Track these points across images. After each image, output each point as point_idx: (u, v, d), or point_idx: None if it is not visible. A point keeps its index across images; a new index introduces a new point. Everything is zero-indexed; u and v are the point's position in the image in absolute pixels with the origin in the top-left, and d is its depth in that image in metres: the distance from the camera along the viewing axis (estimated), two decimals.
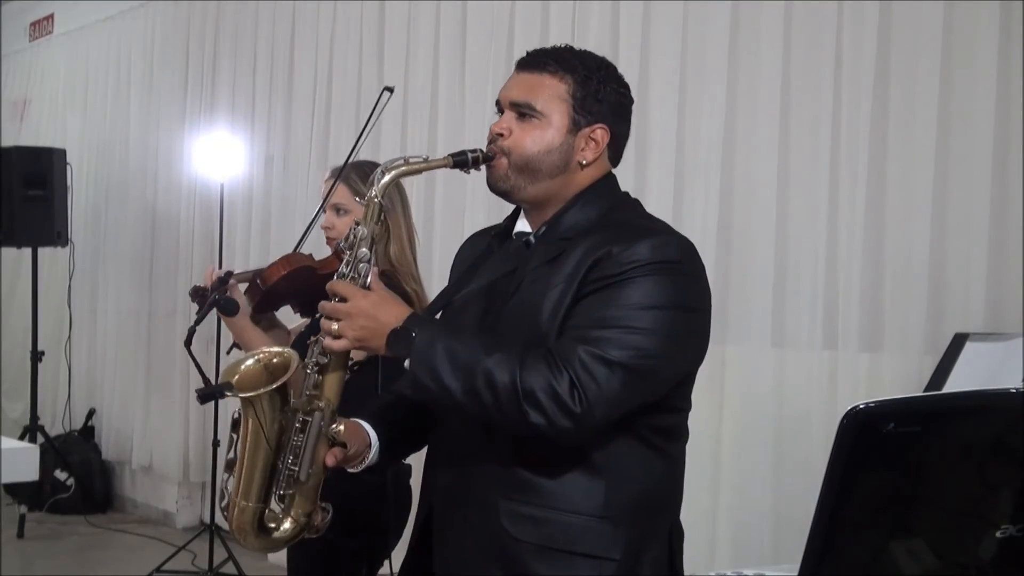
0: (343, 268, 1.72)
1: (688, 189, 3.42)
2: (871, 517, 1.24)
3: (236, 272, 2.63)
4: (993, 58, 2.77)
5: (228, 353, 2.95)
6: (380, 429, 1.82)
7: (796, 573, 1.24)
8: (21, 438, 5.38)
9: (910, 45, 2.94)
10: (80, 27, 6.85)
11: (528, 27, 3.92)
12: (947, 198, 2.87)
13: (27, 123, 7.34)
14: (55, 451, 5.92)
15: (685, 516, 3.35)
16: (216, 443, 4.93)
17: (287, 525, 1.75)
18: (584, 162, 1.75)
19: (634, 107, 3.56)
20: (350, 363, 1.74)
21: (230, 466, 1.78)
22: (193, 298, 2.64)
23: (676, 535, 1.80)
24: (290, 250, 2.77)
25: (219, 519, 4.93)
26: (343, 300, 1.67)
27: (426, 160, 1.73)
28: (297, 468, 1.71)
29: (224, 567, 4.75)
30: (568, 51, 1.77)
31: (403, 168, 1.72)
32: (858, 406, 1.19)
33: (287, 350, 1.80)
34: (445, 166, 1.72)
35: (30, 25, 7.44)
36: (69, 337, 6.35)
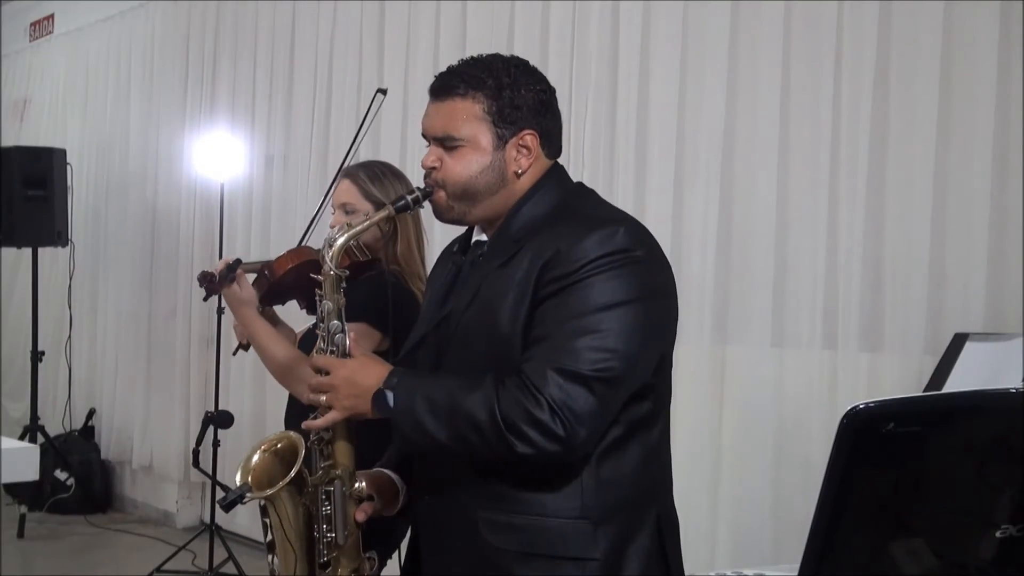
0: (320, 344, 1.78)
1: (688, 189, 3.42)
2: (871, 517, 1.24)
3: (245, 262, 2.62)
4: (993, 58, 2.77)
5: (234, 354, 2.94)
6: (403, 471, 1.87)
7: (796, 573, 1.24)
8: (21, 438, 5.38)
9: (910, 45, 2.94)
10: (80, 27, 6.85)
11: (528, 27, 3.92)
12: (947, 198, 2.87)
13: (27, 123, 7.34)
14: (55, 451, 5.92)
15: (685, 516, 3.33)
16: (216, 443, 4.92)
17: None
18: (520, 171, 1.76)
19: (634, 107, 3.55)
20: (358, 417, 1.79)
21: (271, 548, 1.84)
22: (201, 283, 2.61)
23: (666, 524, 1.77)
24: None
25: (219, 519, 4.94)
26: (326, 374, 1.73)
27: (367, 216, 1.81)
28: (334, 534, 1.77)
29: (224, 567, 4.75)
30: (473, 66, 1.76)
31: (348, 232, 1.78)
32: (858, 406, 1.19)
33: (290, 433, 1.86)
34: (388, 216, 1.78)
35: (30, 25, 7.44)
36: (69, 337, 6.35)
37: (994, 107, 2.77)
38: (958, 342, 2.70)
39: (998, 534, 1.25)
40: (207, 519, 5.09)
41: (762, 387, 3.23)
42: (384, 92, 2.67)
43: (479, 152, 1.74)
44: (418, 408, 1.64)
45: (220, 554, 4.76)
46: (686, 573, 1.88)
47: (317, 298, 1.79)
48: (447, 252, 1.96)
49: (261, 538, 5.49)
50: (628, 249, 1.65)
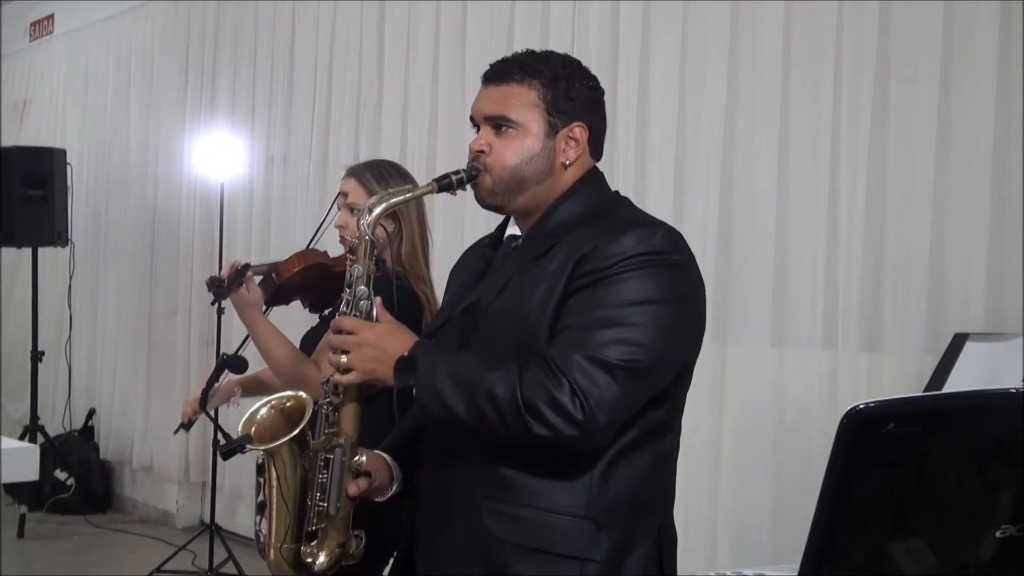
0: (343, 307, 1.75)
1: (688, 189, 3.42)
2: (871, 517, 1.24)
3: (253, 265, 2.62)
4: (993, 58, 2.77)
5: (175, 433, 2.96)
6: (401, 460, 1.85)
7: (796, 573, 1.24)
8: (21, 438, 5.38)
9: (910, 45, 2.94)
10: (80, 27, 6.85)
11: (528, 27, 3.92)
12: (947, 198, 2.87)
13: (27, 123, 7.34)
14: (55, 451, 5.93)
15: (685, 516, 3.33)
16: (216, 443, 4.92)
17: (323, 559, 1.79)
18: (567, 163, 1.77)
19: (634, 107, 3.56)
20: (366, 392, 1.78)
21: (261, 509, 1.82)
22: (210, 288, 2.62)
23: (666, 538, 1.76)
24: (291, 249, 2.77)
25: (219, 519, 4.94)
26: (349, 334, 1.70)
27: (411, 189, 1.78)
28: (325, 504, 1.75)
29: (224, 567, 4.75)
30: (531, 56, 1.78)
31: (388, 201, 1.75)
32: (858, 406, 1.18)
33: (299, 393, 1.84)
34: (431, 192, 1.75)
35: (30, 25, 7.44)
36: (69, 337, 6.35)
37: (994, 107, 2.77)
38: (958, 342, 2.70)
39: (998, 534, 1.25)
40: (207, 519, 5.09)
41: (762, 387, 3.23)
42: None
43: (530, 138, 1.74)
44: (440, 379, 1.63)
45: (220, 554, 4.76)
46: (686, 573, 1.87)
47: (348, 263, 1.76)
48: (476, 246, 1.96)
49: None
50: (665, 252, 1.66)
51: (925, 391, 2.65)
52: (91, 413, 6.43)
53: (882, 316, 2.98)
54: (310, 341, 2.61)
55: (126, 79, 6.34)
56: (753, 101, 3.28)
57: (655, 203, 3.47)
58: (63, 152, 5.93)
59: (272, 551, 1.80)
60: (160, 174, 5.96)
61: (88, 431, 6.39)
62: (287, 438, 1.76)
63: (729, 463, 3.29)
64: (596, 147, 1.83)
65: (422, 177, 4.23)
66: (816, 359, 3.11)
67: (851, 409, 1.18)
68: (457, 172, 1.75)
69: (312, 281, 2.62)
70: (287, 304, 2.78)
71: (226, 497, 5.36)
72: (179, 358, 5.78)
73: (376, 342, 1.68)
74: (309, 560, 1.79)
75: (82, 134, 6.68)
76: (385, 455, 1.85)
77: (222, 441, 1.93)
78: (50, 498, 5.90)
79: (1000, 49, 2.76)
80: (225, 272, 2.57)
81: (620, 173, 3.56)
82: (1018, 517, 1.24)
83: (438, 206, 4.22)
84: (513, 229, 1.83)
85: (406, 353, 1.67)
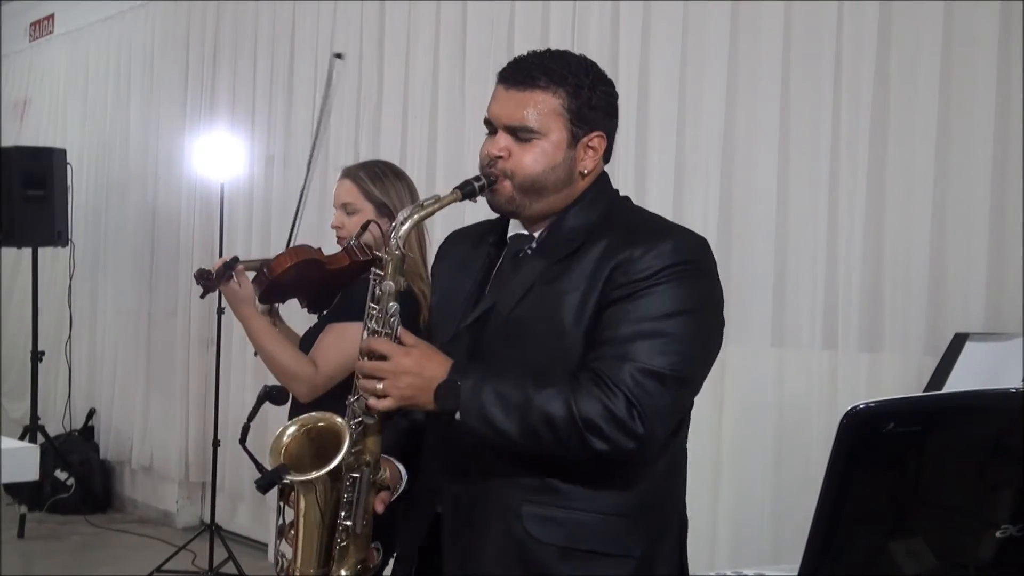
0: (373, 324, 1.70)
1: (688, 189, 3.42)
2: (871, 517, 1.24)
3: (243, 260, 2.62)
4: (993, 58, 2.77)
5: (256, 355, 2.93)
6: (404, 460, 1.85)
7: (796, 573, 1.24)
8: (21, 438, 5.38)
9: (910, 45, 2.94)
10: (80, 27, 6.85)
11: (528, 27, 3.92)
12: (947, 198, 2.87)
13: (27, 123, 7.34)
14: (55, 451, 5.92)
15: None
16: (216, 443, 4.93)
17: (345, 572, 1.77)
18: (585, 171, 1.76)
19: (634, 107, 3.56)
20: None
21: (281, 532, 1.78)
22: (198, 280, 2.60)
23: (683, 528, 1.83)
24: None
25: (219, 519, 4.94)
26: (382, 358, 1.66)
27: (438, 200, 1.71)
28: (352, 522, 1.73)
29: (224, 567, 4.75)
30: (554, 61, 1.75)
31: (420, 213, 1.70)
32: (858, 406, 1.18)
33: (333, 417, 1.77)
34: (456, 200, 1.71)
35: (30, 25, 7.44)
36: (69, 337, 6.35)
37: (994, 107, 2.77)
38: (958, 342, 2.70)
39: (998, 534, 1.25)
40: (207, 519, 5.09)
41: (762, 387, 3.23)
42: (340, 56, 2.70)
43: (552, 147, 1.72)
44: (487, 402, 1.62)
45: (220, 554, 4.76)
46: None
47: (374, 277, 1.71)
48: (463, 236, 1.93)
49: (261, 538, 5.50)
50: (697, 260, 1.69)
51: (925, 391, 2.65)
52: (91, 413, 6.43)
53: (882, 316, 2.98)
54: (309, 342, 2.61)
55: (126, 79, 6.34)
56: (753, 101, 3.28)
57: (655, 203, 3.47)
58: (63, 152, 5.93)
59: None
60: (160, 174, 5.96)
61: (88, 431, 6.39)
62: (326, 470, 1.70)
63: (729, 463, 3.28)
64: (609, 152, 1.83)
65: (422, 177, 4.28)
66: (816, 359, 3.11)
67: (851, 409, 1.18)
68: (478, 178, 1.72)
69: (307, 278, 2.62)
70: (283, 302, 2.77)
71: (226, 497, 5.36)
72: (179, 358, 5.78)
73: (413, 368, 1.65)
74: None
75: (82, 134, 6.68)
76: (392, 459, 1.83)
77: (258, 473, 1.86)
78: (50, 498, 5.90)
79: (1000, 49, 2.76)
80: (216, 266, 2.57)
81: (620, 173, 3.55)
82: (1018, 517, 1.24)
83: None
84: (516, 228, 1.82)
85: (446, 377, 1.65)
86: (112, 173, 6.40)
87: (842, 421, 1.18)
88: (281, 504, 1.77)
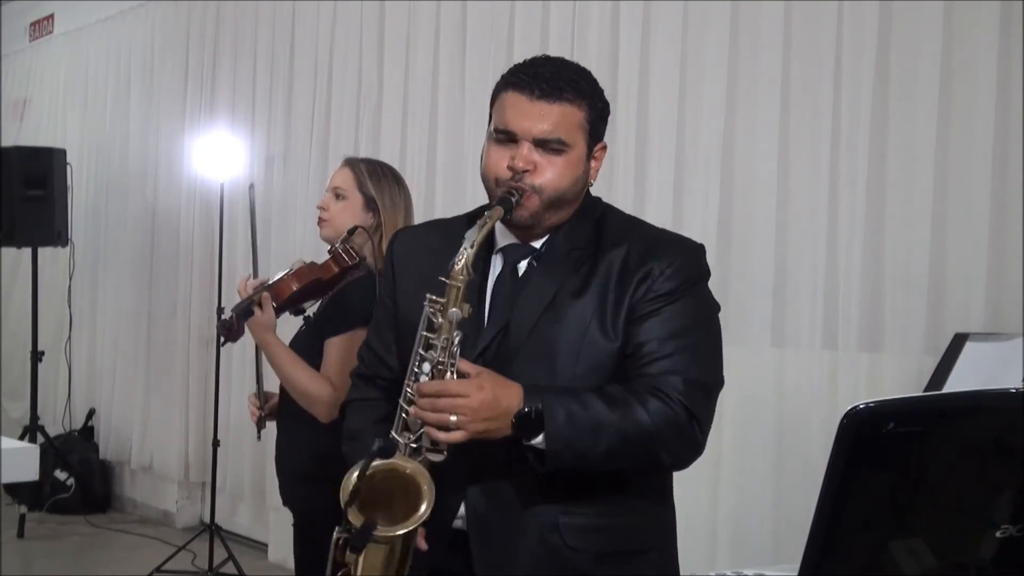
0: (436, 355, 1.63)
1: (688, 189, 3.42)
2: (871, 517, 1.24)
3: (250, 291, 2.62)
4: (993, 58, 2.77)
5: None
6: None
7: (796, 573, 1.24)
8: (21, 438, 5.38)
9: (910, 45, 2.94)
10: (80, 27, 6.85)
11: (528, 27, 3.92)
12: (947, 198, 2.87)
13: (27, 123, 7.35)
14: (55, 451, 5.93)
15: (685, 516, 3.34)
16: (216, 443, 4.93)
17: None
18: (593, 182, 1.79)
19: (634, 107, 3.56)
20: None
21: None
22: (220, 332, 2.71)
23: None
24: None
25: (219, 519, 4.94)
26: (458, 396, 1.60)
27: (488, 216, 1.66)
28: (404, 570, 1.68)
29: (224, 567, 4.75)
30: (574, 72, 1.73)
31: (480, 236, 1.64)
32: (858, 406, 1.18)
33: (414, 465, 1.64)
34: (500, 217, 1.67)
35: (30, 25, 7.45)
36: (69, 337, 6.36)
37: (994, 107, 2.77)
38: (958, 342, 2.70)
39: (998, 534, 1.25)
40: (207, 519, 5.09)
41: (762, 387, 3.23)
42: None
43: (577, 160, 1.72)
44: (566, 427, 1.61)
45: (220, 554, 4.76)
46: (686, 573, 1.90)
47: (430, 305, 1.63)
48: (431, 232, 1.88)
49: (261, 538, 5.51)
50: (705, 269, 1.78)
51: (925, 391, 2.65)
52: (91, 413, 6.43)
53: (882, 316, 2.98)
54: (299, 347, 2.60)
55: (126, 79, 6.34)
56: (753, 101, 3.28)
57: (655, 203, 3.47)
58: (63, 152, 5.93)
59: None
60: (160, 174, 5.96)
61: (88, 431, 6.39)
62: (416, 523, 1.59)
63: (729, 463, 3.28)
64: None
65: (422, 177, 4.28)
66: (816, 359, 3.11)
67: (851, 409, 1.18)
68: (511, 193, 1.67)
69: (305, 295, 2.64)
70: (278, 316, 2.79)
71: (226, 497, 5.36)
72: (179, 358, 5.78)
73: (491, 403, 1.60)
74: None
75: (82, 134, 6.68)
76: None
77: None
78: (50, 498, 5.90)
79: (1000, 49, 2.76)
80: (241, 289, 2.60)
81: (620, 173, 3.56)
82: (1018, 517, 1.24)
83: (439, 203, 4.22)
84: (506, 237, 1.78)
85: (523, 407, 1.62)
86: (112, 173, 6.40)
87: (842, 421, 1.18)
88: (336, 556, 1.62)
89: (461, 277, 1.61)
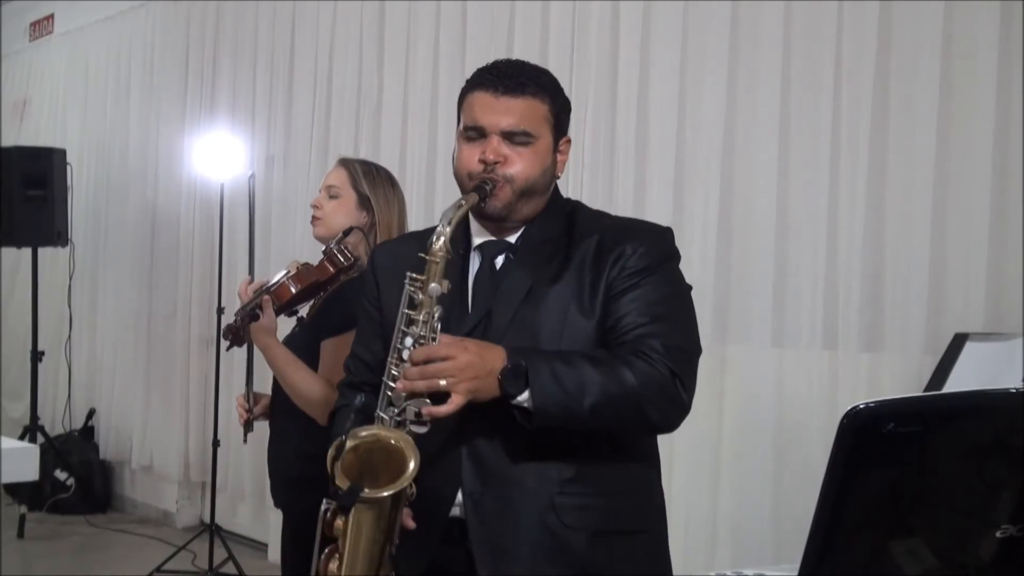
0: (417, 330, 1.67)
1: (688, 189, 3.42)
2: (871, 517, 1.24)
3: (250, 296, 2.63)
4: (993, 58, 2.77)
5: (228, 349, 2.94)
6: None
7: (796, 573, 1.24)
8: (21, 438, 5.38)
9: (910, 45, 2.94)
10: (80, 27, 6.85)
11: (528, 27, 3.92)
12: (947, 198, 2.87)
13: (27, 123, 7.34)
14: (55, 451, 5.93)
15: (685, 516, 3.33)
16: (216, 443, 4.92)
17: None
18: (560, 175, 1.87)
19: (634, 107, 3.55)
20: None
21: (323, 548, 1.69)
22: (226, 336, 2.70)
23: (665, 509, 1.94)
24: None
25: (219, 519, 4.94)
26: (443, 360, 1.63)
27: (459, 204, 1.72)
28: (392, 545, 1.71)
29: (224, 567, 4.75)
30: (535, 69, 1.84)
31: (457, 215, 1.71)
32: (858, 406, 1.18)
33: (400, 435, 1.67)
34: (473, 203, 1.74)
35: (30, 25, 7.44)
36: (69, 337, 6.36)
37: (994, 107, 2.77)
38: (958, 342, 2.70)
39: (998, 534, 1.25)
40: (207, 519, 5.09)
41: (762, 387, 3.23)
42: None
43: (544, 151, 1.80)
44: (553, 383, 1.65)
45: (220, 554, 4.76)
46: (686, 573, 1.92)
47: (411, 283, 1.68)
48: (403, 244, 1.96)
49: (261, 538, 5.49)
50: (676, 251, 1.84)
51: (925, 391, 2.65)
52: (91, 413, 6.43)
53: (882, 316, 2.98)
54: (292, 345, 2.60)
55: (126, 79, 6.34)
56: (753, 101, 3.28)
57: (655, 203, 3.47)
58: (63, 152, 5.93)
59: None
60: (160, 174, 5.96)
61: (88, 431, 6.39)
62: (403, 482, 1.62)
63: (729, 463, 3.29)
64: None
65: (421, 177, 4.28)
66: (816, 359, 3.11)
67: (851, 409, 1.18)
68: (485, 182, 1.75)
69: (304, 297, 2.64)
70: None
71: (226, 497, 5.35)
72: (179, 358, 5.78)
73: (477, 362, 1.64)
74: None
75: (82, 134, 6.68)
76: None
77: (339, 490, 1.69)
78: (50, 498, 5.90)
79: (1000, 49, 2.76)
80: (242, 292, 2.60)
81: (620, 173, 3.56)
82: (1018, 517, 1.24)
83: (439, 204, 4.22)
84: (481, 234, 1.84)
85: (508, 363, 1.65)
86: (112, 173, 6.40)
87: (842, 421, 1.18)
88: (324, 528, 1.67)
89: (440, 254, 1.68)
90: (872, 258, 3.00)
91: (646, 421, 1.71)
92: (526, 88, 1.78)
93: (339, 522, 1.66)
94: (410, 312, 1.69)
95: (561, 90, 1.86)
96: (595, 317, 1.75)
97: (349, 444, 1.65)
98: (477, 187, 1.75)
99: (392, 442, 1.66)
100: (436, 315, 1.68)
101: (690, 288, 1.84)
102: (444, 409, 1.64)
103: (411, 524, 1.71)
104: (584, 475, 1.75)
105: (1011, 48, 2.74)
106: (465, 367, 1.63)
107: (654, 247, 1.78)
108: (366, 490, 1.62)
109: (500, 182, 1.76)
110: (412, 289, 1.70)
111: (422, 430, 1.66)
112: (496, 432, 1.73)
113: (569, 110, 1.88)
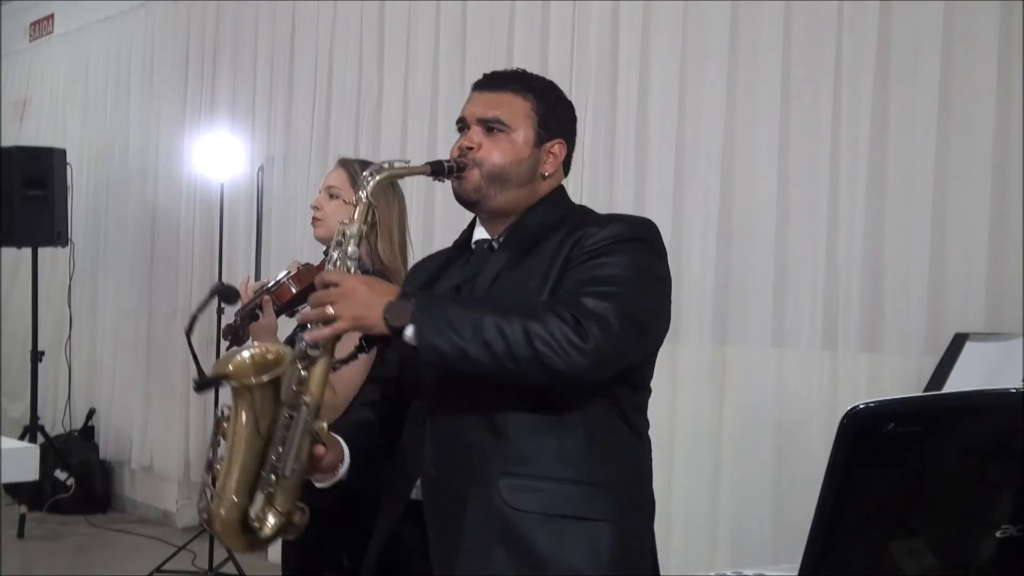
0: (329, 267, 1.75)
1: (688, 189, 3.42)
2: (871, 517, 1.24)
3: (250, 295, 2.63)
4: (993, 58, 2.77)
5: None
6: (352, 450, 1.84)
7: (796, 573, 1.24)
8: (21, 438, 5.38)
9: (910, 45, 2.94)
10: (80, 27, 6.85)
11: (528, 27, 3.92)
12: (947, 198, 2.87)
13: (27, 123, 7.35)
14: (55, 451, 5.92)
15: (685, 516, 3.33)
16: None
17: (271, 522, 1.70)
18: (546, 174, 1.89)
19: (634, 107, 3.56)
20: (334, 362, 1.73)
21: (211, 467, 1.73)
22: (226, 336, 2.69)
23: (652, 509, 1.89)
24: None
25: None
26: (335, 286, 1.68)
27: (407, 164, 1.81)
28: (282, 464, 1.69)
29: (224, 567, 4.75)
30: (524, 73, 1.92)
31: (387, 172, 1.78)
32: (858, 406, 1.18)
33: (280, 347, 1.76)
34: (423, 173, 1.81)
35: (30, 25, 7.45)
36: (69, 337, 6.36)
37: (994, 107, 2.77)
38: (958, 342, 2.70)
39: (998, 534, 1.25)
40: None
41: (762, 387, 3.23)
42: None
43: (520, 143, 1.85)
44: (442, 316, 1.64)
45: (220, 554, 4.76)
46: (686, 573, 1.90)
47: (340, 224, 1.75)
48: (434, 255, 2.05)
49: None
50: (651, 239, 1.81)
51: (925, 391, 2.65)
52: (91, 413, 6.43)
53: (882, 316, 2.98)
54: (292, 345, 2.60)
55: (126, 79, 6.34)
56: (753, 101, 3.28)
57: (655, 203, 3.47)
58: (63, 152, 5.93)
59: (220, 506, 1.68)
60: (160, 174, 5.97)
61: (88, 431, 6.39)
62: (267, 376, 1.67)
63: (729, 463, 3.29)
64: (567, 165, 1.95)
65: (421, 179, 4.26)
66: (816, 359, 3.11)
67: (851, 409, 1.18)
68: (448, 161, 1.83)
69: (305, 297, 2.64)
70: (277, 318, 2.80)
71: None
72: (179, 358, 5.77)
73: (363, 289, 1.67)
74: (256, 524, 1.70)
75: (82, 134, 6.68)
76: (338, 437, 1.82)
77: (197, 377, 1.87)
78: (50, 498, 5.90)
79: (1000, 49, 2.77)
80: (242, 292, 2.59)
81: (620, 173, 3.56)
82: (1018, 517, 1.24)
83: (438, 205, 4.22)
84: (481, 234, 1.92)
85: (396, 297, 1.66)
86: (112, 173, 6.40)
87: (842, 421, 1.18)
88: (219, 438, 1.74)
89: (365, 200, 1.75)
90: (872, 258, 3.00)
91: (541, 366, 1.62)
92: (508, 85, 1.87)
93: (225, 424, 1.72)
94: (332, 253, 1.76)
95: (552, 94, 1.90)
96: (546, 292, 1.76)
97: (251, 352, 1.73)
98: (436, 160, 1.82)
99: (279, 355, 1.72)
100: (350, 254, 1.73)
101: (661, 279, 1.80)
102: (323, 332, 1.66)
103: (321, 451, 1.73)
104: (527, 457, 1.74)
105: (1011, 48, 2.75)
106: (350, 294, 1.65)
107: (616, 230, 1.77)
108: (230, 379, 1.70)
109: (469, 165, 1.83)
110: (340, 230, 1.76)
111: (315, 353, 1.69)
112: (460, 414, 1.77)
113: (563, 116, 1.90)
